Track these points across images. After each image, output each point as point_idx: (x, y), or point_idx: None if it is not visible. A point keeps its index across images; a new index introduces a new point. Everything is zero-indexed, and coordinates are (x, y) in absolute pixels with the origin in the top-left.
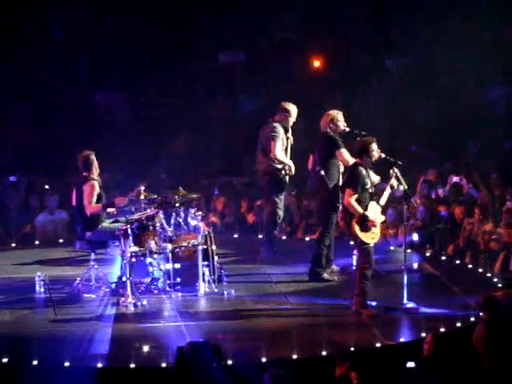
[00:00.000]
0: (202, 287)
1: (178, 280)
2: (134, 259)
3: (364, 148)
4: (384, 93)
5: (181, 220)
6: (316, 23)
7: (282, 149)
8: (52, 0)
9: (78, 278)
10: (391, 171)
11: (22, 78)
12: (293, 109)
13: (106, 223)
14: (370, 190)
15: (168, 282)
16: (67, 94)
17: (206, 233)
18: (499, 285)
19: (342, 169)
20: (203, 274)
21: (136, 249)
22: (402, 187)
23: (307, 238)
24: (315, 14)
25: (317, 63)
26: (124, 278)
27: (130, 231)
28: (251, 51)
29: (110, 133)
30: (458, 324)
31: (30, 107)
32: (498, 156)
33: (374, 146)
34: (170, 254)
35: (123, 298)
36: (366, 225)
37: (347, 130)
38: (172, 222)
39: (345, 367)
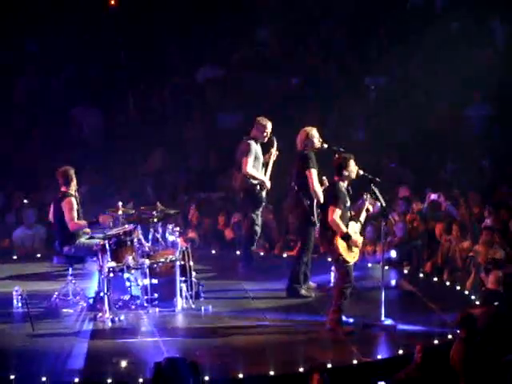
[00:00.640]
0: (180, 303)
1: (156, 295)
2: (111, 274)
3: (342, 165)
4: (360, 110)
5: (159, 235)
6: (292, 40)
7: (253, 165)
8: (28, 14)
9: (56, 293)
10: (365, 195)
11: None
12: (268, 124)
13: (84, 238)
14: (349, 209)
15: (145, 297)
16: (42, 108)
17: (184, 248)
18: (476, 302)
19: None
20: (181, 290)
21: (114, 264)
22: (379, 204)
23: (285, 255)
24: (291, 30)
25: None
26: (101, 294)
27: (107, 246)
28: (227, 68)
29: (84, 148)
30: (436, 341)
31: (5, 121)
32: (475, 174)
33: (352, 163)
34: (148, 270)
35: (101, 313)
36: (348, 244)
37: (325, 146)
38: (150, 237)
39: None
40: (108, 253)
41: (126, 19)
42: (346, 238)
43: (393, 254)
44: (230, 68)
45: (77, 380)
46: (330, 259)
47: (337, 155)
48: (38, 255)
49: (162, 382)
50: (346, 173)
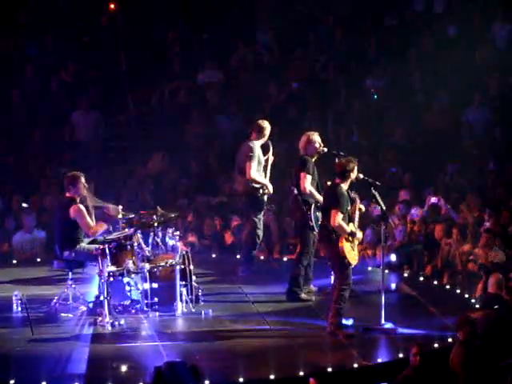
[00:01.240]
0: (180, 307)
1: (156, 300)
2: (111, 279)
3: (343, 168)
4: (360, 113)
5: (159, 240)
6: (291, 43)
7: (257, 169)
8: (27, 17)
9: (56, 298)
10: (352, 194)
11: None
12: (267, 126)
13: (85, 243)
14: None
15: (146, 301)
16: (41, 110)
17: (184, 252)
18: (476, 305)
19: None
20: (181, 294)
21: (114, 268)
22: (379, 208)
23: (285, 258)
24: (290, 33)
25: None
26: (101, 298)
27: (107, 251)
28: (226, 71)
29: (83, 151)
30: (436, 345)
31: (4, 125)
32: (476, 177)
33: (353, 166)
34: (148, 274)
35: (100, 318)
36: (353, 242)
37: (325, 150)
38: (150, 241)
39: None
40: (108, 257)
41: (126, 21)
42: (352, 236)
43: (393, 257)
44: (230, 71)
45: None
46: (329, 263)
47: (339, 159)
48: (38, 259)
49: None
50: (347, 176)
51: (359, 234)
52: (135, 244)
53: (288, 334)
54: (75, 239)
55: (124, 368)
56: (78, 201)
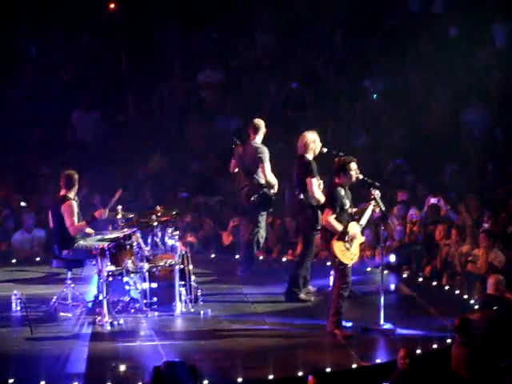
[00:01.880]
0: (179, 307)
1: (155, 299)
2: (110, 278)
3: (343, 167)
4: (360, 113)
5: (158, 239)
6: (291, 43)
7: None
8: (26, 15)
9: (55, 297)
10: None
11: None
12: (262, 124)
13: (83, 242)
14: (350, 211)
15: (144, 301)
16: (41, 109)
17: (183, 252)
18: (475, 306)
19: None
20: (180, 294)
21: (113, 268)
22: (379, 208)
23: (284, 259)
24: (290, 34)
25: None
26: (100, 297)
27: (106, 250)
28: (226, 71)
29: (82, 152)
30: (435, 345)
31: (3, 124)
32: (475, 178)
33: (353, 166)
34: (147, 274)
35: (99, 317)
36: (347, 240)
37: (324, 150)
38: (149, 241)
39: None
40: (107, 257)
41: (126, 21)
42: (344, 235)
43: (392, 258)
44: (230, 71)
45: None
46: (329, 263)
47: (337, 159)
48: (37, 259)
49: None
50: (346, 175)
51: (358, 233)
52: (134, 244)
53: (287, 334)
54: (73, 238)
55: (123, 367)
56: (72, 198)
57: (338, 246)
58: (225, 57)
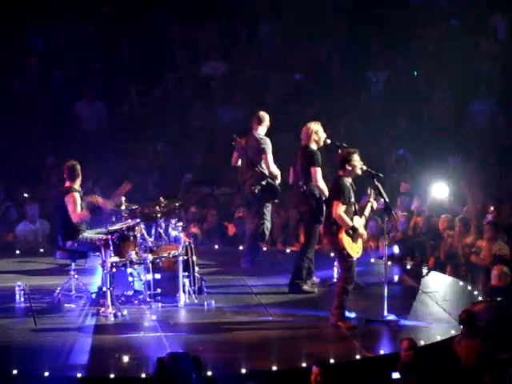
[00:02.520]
0: (183, 298)
1: (159, 291)
2: (114, 269)
3: (346, 159)
4: (364, 105)
5: (161, 230)
6: (294, 35)
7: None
8: (30, 7)
9: (59, 288)
10: (368, 190)
11: None
12: (266, 116)
13: (87, 233)
14: (354, 204)
15: (148, 292)
16: (44, 100)
17: (187, 243)
18: (479, 297)
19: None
20: (183, 285)
21: (116, 259)
22: (383, 200)
23: (288, 250)
24: (293, 25)
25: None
26: (104, 288)
27: (110, 241)
28: (230, 63)
29: (87, 143)
30: (438, 337)
31: (7, 115)
32: (479, 169)
33: (356, 158)
34: (151, 265)
35: (103, 309)
36: (355, 236)
37: (328, 141)
38: (153, 232)
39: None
40: (111, 248)
41: (129, 12)
42: (353, 231)
43: (395, 249)
44: (234, 62)
45: (79, 375)
46: (332, 254)
47: (340, 151)
48: (41, 250)
49: (164, 377)
50: (349, 167)
51: (362, 231)
52: (138, 235)
53: (290, 325)
54: (77, 229)
55: (127, 358)
56: (76, 189)
57: (346, 239)
58: (228, 48)
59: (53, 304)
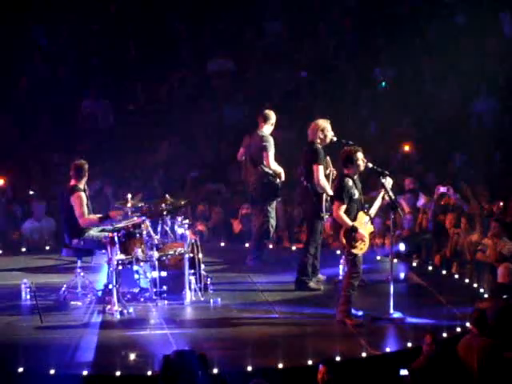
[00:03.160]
0: (189, 295)
1: (165, 288)
2: (120, 267)
3: (349, 157)
4: (369, 102)
5: (167, 228)
6: (300, 32)
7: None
8: (35, 5)
9: (65, 286)
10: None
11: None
12: (272, 115)
13: (93, 231)
14: (359, 200)
15: (154, 290)
16: (50, 98)
17: (193, 241)
18: (485, 295)
19: (334, 174)
20: (189, 283)
21: (122, 257)
22: (388, 197)
23: (294, 247)
24: (299, 23)
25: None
26: (110, 286)
27: (116, 239)
28: (235, 61)
29: (93, 141)
30: (444, 334)
31: (13, 112)
32: (484, 167)
33: (360, 155)
34: (157, 262)
35: (109, 306)
36: (354, 236)
37: (334, 139)
38: (159, 229)
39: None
40: (117, 245)
41: (136, 10)
42: (353, 231)
43: (401, 246)
44: (240, 59)
45: (85, 373)
46: (338, 252)
47: (343, 149)
48: (47, 248)
49: (170, 375)
50: (354, 165)
51: (363, 230)
52: (144, 232)
53: (296, 322)
54: (83, 227)
55: (133, 356)
56: (81, 189)
57: (347, 237)
58: (235, 45)
59: (59, 302)
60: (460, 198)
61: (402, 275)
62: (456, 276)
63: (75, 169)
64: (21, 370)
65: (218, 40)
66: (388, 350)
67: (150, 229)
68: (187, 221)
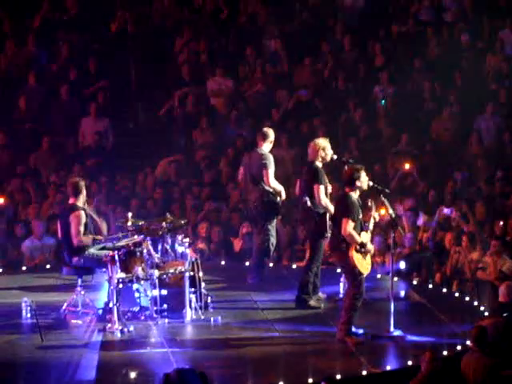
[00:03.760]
0: (189, 314)
1: (165, 306)
2: (120, 285)
3: (353, 176)
4: (369, 120)
5: (168, 246)
6: (299, 50)
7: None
8: (38, 25)
9: (65, 304)
10: (369, 203)
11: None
12: (271, 133)
13: (93, 249)
14: (361, 220)
15: (155, 308)
16: (50, 119)
17: (193, 259)
18: (486, 313)
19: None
20: (190, 301)
21: (123, 275)
22: (389, 215)
23: (294, 266)
24: (298, 42)
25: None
26: (111, 304)
27: (117, 257)
28: (235, 79)
29: (92, 159)
30: (445, 352)
31: (12, 132)
32: (484, 185)
33: (363, 174)
34: (157, 281)
35: (110, 325)
36: (364, 252)
37: (335, 157)
38: (159, 248)
39: None
40: (117, 264)
41: (136, 29)
42: (362, 246)
43: (402, 264)
44: (239, 79)
45: None
46: (339, 270)
47: (347, 166)
48: (47, 266)
49: None
50: (358, 184)
51: (370, 246)
52: (144, 251)
53: (297, 341)
54: (83, 245)
55: (133, 375)
56: (80, 207)
57: (356, 257)
58: (234, 64)
59: (59, 320)
60: (460, 217)
61: (403, 293)
62: (456, 294)
63: (71, 187)
64: None
65: (217, 59)
66: (388, 368)
67: (150, 247)
68: (188, 239)
